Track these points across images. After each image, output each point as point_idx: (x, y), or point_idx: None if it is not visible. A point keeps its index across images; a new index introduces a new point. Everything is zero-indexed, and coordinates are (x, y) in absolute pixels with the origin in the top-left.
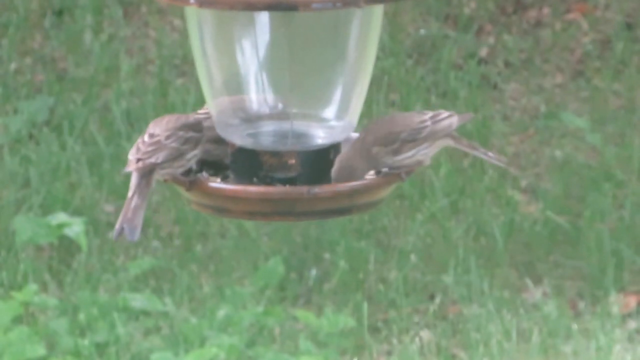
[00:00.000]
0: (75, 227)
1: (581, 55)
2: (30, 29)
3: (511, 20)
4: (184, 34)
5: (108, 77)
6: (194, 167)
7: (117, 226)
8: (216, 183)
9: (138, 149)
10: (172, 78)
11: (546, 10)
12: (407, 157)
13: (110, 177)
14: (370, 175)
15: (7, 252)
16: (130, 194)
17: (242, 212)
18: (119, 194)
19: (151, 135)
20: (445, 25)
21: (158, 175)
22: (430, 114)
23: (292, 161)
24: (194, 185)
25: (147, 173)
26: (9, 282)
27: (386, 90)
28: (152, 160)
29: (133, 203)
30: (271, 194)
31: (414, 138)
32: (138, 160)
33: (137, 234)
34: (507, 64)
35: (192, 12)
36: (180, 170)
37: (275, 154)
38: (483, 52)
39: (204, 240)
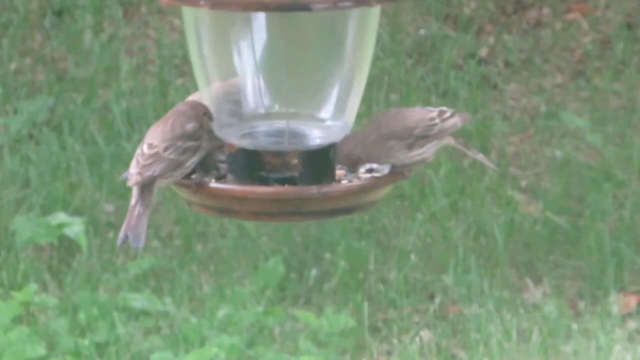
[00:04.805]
0: (75, 227)
1: (581, 55)
2: (30, 29)
3: (511, 20)
4: (184, 33)
5: (108, 77)
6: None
7: (121, 234)
8: (224, 184)
9: (137, 162)
10: (172, 78)
11: (546, 10)
12: (419, 153)
13: (110, 177)
14: (371, 168)
15: (7, 252)
16: (133, 202)
17: (248, 213)
18: (119, 194)
19: (150, 146)
20: (445, 25)
21: (160, 184)
22: (436, 111)
23: (293, 161)
24: (200, 188)
25: (147, 185)
26: (9, 282)
27: (386, 90)
28: (150, 173)
29: (136, 211)
30: (282, 194)
31: (426, 135)
32: (138, 173)
33: (142, 241)
34: (507, 64)
35: (189, 12)
36: (180, 177)
37: (274, 154)
38: (483, 52)
39: (204, 240)
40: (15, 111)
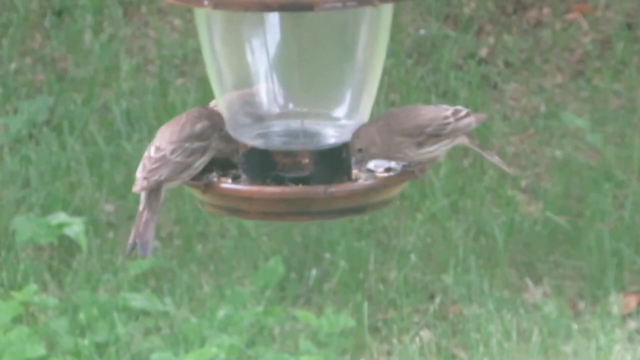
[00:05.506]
0: (75, 227)
1: (581, 55)
2: (30, 29)
3: (511, 20)
4: (184, 34)
5: (108, 77)
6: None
7: (129, 241)
8: (231, 184)
9: (144, 167)
10: (172, 78)
11: (546, 10)
12: (429, 151)
13: (110, 177)
14: (384, 166)
15: (7, 252)
16: (140, 208)
17: (257, 213)
18: (119, 194)
19: (157, 149)
20: (445, 25)
21: (167, 186)
22: (451, 109)
23: (306, 160)
24: (209, 188)
25: (154, 189)
26: (9, 282)
27: (386, 90)
28: (156, 178)
29: (144, 217)
30: (288, 194)
31: (438, 133)
32: (144, 178)
33: (149, 249)
34: (507, 64)
35: (201, 12)
36: (189, 178)
37: (288, 153)
38: (483, 52)
39: (204, 240)
40: (15, 111)
